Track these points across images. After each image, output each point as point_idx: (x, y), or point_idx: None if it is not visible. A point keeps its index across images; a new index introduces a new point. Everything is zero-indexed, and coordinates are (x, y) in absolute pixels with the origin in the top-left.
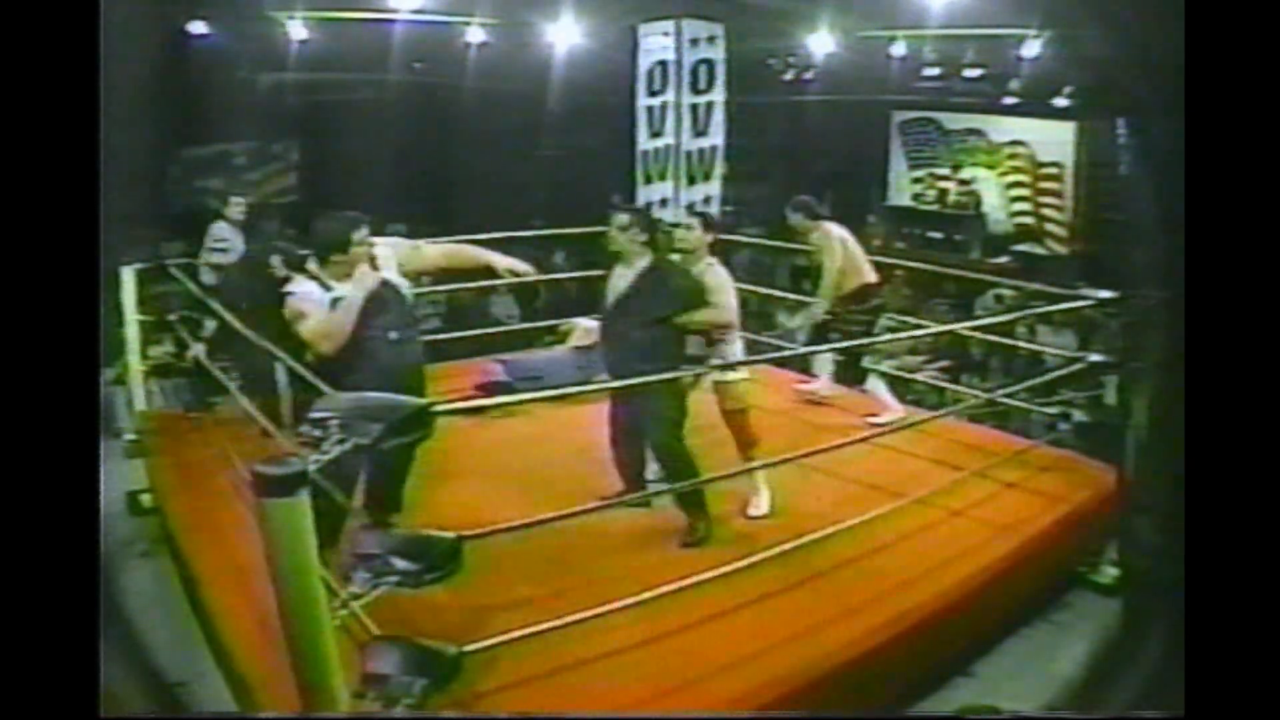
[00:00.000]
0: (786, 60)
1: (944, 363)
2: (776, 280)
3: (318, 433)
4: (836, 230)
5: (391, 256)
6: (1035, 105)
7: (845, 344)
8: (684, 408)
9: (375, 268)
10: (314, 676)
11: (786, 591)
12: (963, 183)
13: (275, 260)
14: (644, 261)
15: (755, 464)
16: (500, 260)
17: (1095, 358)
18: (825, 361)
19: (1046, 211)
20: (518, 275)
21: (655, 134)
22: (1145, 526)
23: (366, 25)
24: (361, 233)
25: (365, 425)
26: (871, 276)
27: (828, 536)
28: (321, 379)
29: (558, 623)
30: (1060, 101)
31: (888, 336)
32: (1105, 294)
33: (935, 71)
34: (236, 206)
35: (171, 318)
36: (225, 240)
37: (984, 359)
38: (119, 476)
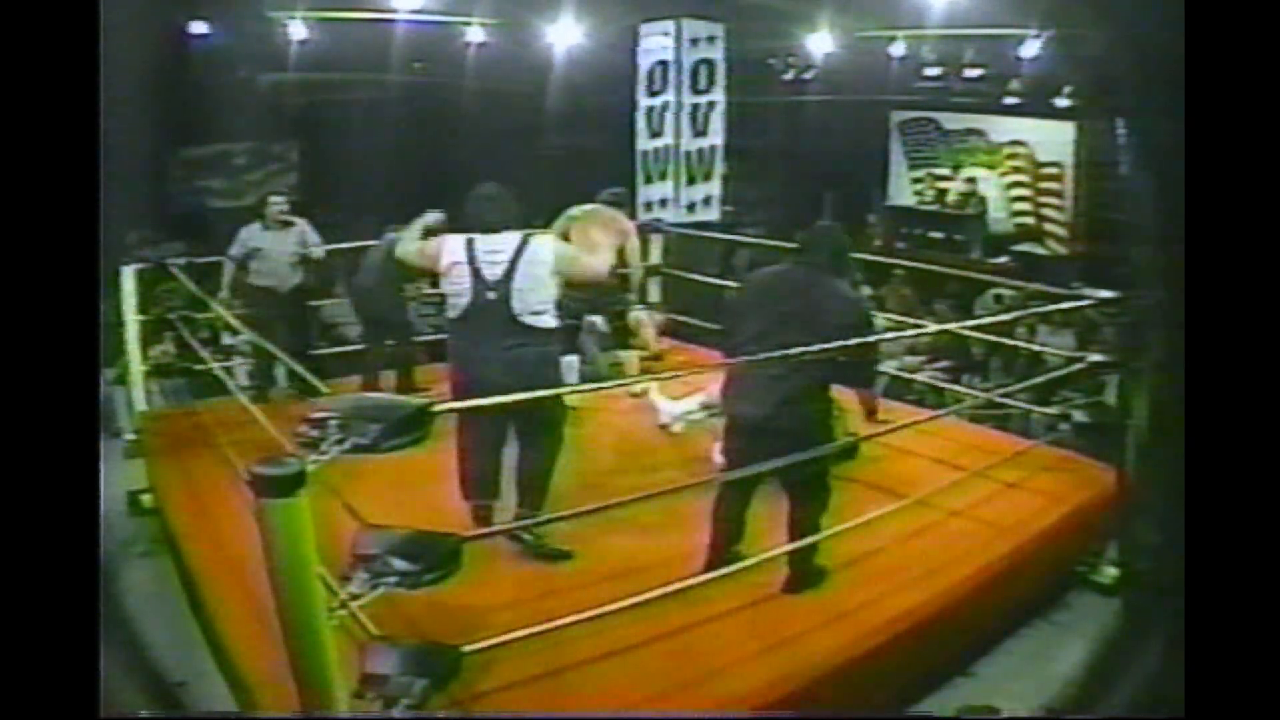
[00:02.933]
0: (786, 60)
1: (944, 363)
2: None
3: (315, 433)
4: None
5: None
6: (1035, 105)
7: (868, 339)
8: None
9: None
10: (313, 676)
11: (787, 591)
12: (963, 182)
13: None
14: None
15: (755, 467)
16: None
17: (1095, 358)
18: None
19: (1046, 211)
20: None
21: (655, 134)
22: (1145, 526)
23: (366, 25)
24: None
25: (364, 425)
26: None
27: (828, 536)
28: None
29: (558, 623)
30: (1060, 101)
31: (888, 336)
32: (1105, 294)
33: (935, 71)
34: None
35: (171, 317)
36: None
37: (984, 359)
38: (119, 476)
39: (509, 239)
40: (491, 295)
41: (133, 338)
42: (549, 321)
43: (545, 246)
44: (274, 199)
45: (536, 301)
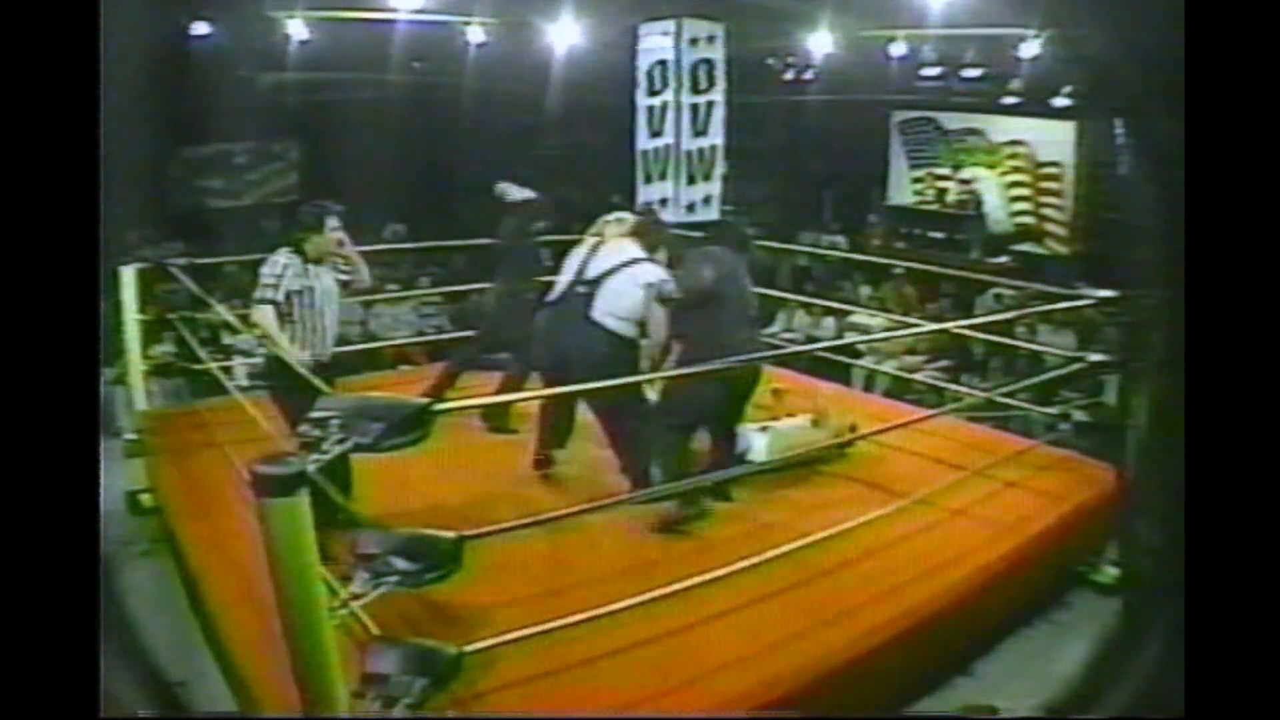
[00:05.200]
0: (786, 60)
1: (944, 362)
2: (777, 280)
3: (317, 433)
4: None
5: None
6: (1035, 105)
7: (865, 339)
8: None
9: None
10: (314, 676)
11: (787, 591)
12: (963, 182)
13: None
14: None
15: (757, 465)
16: None
17: (1095, 358)
18: None
19: (1046, 211)
20: None
21: (655, 134)
22: (1145, 526)
23: (366, 25)
24: None
25: (365, 425)
26: None
27: (828, 536)
28: None
29: (558, 623)
30: (1060, 101)
31: (888, 335)
32: (1105, 294)
33: (935, 71)
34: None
35: (171, 317)
36: None
37: (984, 359)
38: (119, 476)
39: (625, 250)
40: (581, 289)
41: (133, 338)
42: (624, 329)
43: (653, 268)
44: (332, 221)
45: (620, 309)
